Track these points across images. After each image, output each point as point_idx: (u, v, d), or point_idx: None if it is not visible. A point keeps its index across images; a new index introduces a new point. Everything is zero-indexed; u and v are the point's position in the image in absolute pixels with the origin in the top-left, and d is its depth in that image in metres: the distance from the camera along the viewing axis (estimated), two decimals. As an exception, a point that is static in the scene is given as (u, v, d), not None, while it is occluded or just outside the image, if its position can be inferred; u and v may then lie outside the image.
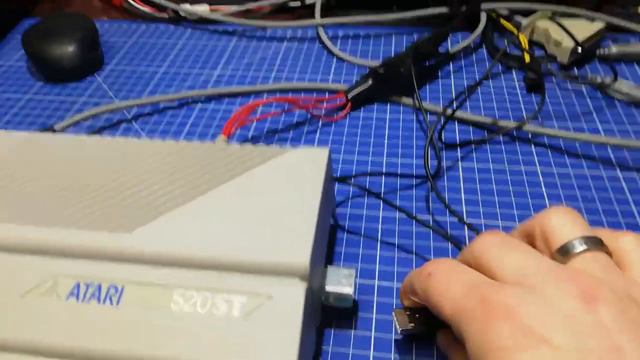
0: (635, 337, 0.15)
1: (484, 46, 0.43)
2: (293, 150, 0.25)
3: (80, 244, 0.21)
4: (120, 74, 0.43)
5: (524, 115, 0.36)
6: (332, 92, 0.39)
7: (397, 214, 0.29)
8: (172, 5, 0.48)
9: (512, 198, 0.30)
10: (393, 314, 0.22)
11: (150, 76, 0.42)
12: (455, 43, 0.43)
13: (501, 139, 0.34)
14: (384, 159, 0.33)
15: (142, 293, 0.20)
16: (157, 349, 0.18)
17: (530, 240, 0.20)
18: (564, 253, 0.18)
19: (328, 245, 0.27)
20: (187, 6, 0.48)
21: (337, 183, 0.31)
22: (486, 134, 0.35)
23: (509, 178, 0.31)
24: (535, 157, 0.33)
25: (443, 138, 0.34)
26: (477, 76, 0.40)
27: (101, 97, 0.40)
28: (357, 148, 0.34)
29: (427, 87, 0.39)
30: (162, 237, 0.21)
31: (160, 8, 0.49)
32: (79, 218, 0.22)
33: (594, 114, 0.36)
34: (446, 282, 0.18)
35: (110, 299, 0.20)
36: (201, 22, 0.49)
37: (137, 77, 0.42)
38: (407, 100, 0.37)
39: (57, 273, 0.20)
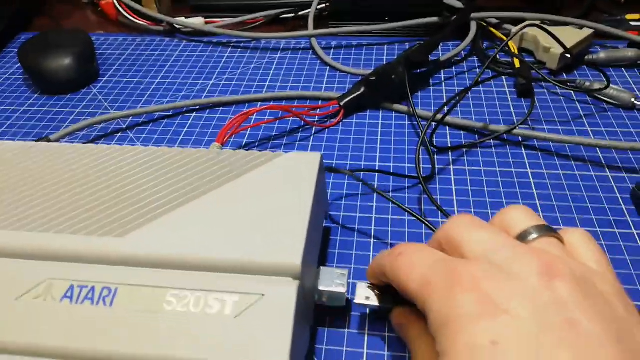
0: (590, 312, 0.15)
1: (474, 55, 0.44)
2: (285, 155, 0.25)
3: (74, 249, 0.21)
4: (116, 86, 0.43)
5: (515, 120, 0.36)
6: (325, 100, 0.39)
7: (390, 216, 0.30)
8: (167, 18, 0.49)
9: (504, 199, 0.30)
10: (356, 286, 0.23)
11: (146, 87, 0.43)
12: (446, 52, 0.44)
13: (492, 142, 0.35)
14: (377, 163, 0.33)
15: (135, 294, 0.20)
16: (150, 348, 0.18)
17: None
18: (522, 239, 0.19)
19: (321, 247, 0.27)
20: (182, 19, 0.49)
21: (330, 182, 0.32)
22: (477, 138, 0.35)
23: (500, 180, 0.32)
24: (526, 160, 0.33)
25: (435, 142, 0.34)
26: (467, 83, 0.41)
27: (97, 108, 0.41)
28: (349, 154, 0.34)
29: (419, 94, 0.40)
30: (156, 240, 0.21)
31: (156, 21, 0.50)
32: (73, 223, 0.22)
33: (584, 118, 0.36)
34: (415, 259, 0.19)
35: (104, 300, 0.20)
36: (196, 34, 0.50)
37: (132, 89, 0.43)
38: (399, 107, 0.38)
39: (51, 276, 0.21)
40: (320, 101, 0.40)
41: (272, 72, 0.44)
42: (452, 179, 0.32)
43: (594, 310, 0.15)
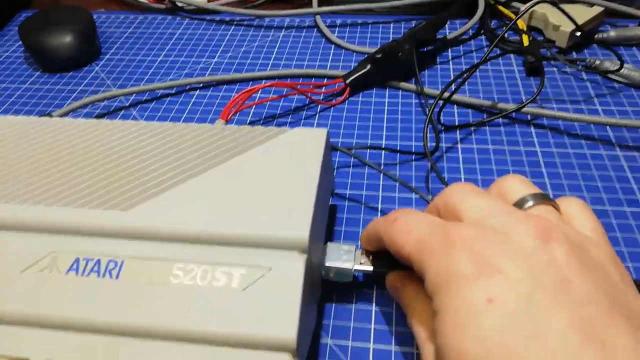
0: (584, 275, 0.16)
1: (482, 33, 0.43)
2: (291, 130, 0.25)
3: (79, 222, 0.21)
4: (118, 64, 0.43)
5: (523, 98, 0.36)
6: (330, 78, 0.39)
7: (397, 194, 0.29)
8: (169, -5, 0.48)
9: (512, 178, 0.30)
10: None
11: (148, 65, 0.42)
12: (453, 30, 0.43)
13: (500, 121, 0.34)
14: (383, 142, 0.33)
15: (141, 267, 0.20)
16: (157, 320, 0.18)
17: None
18: (519, 206, 0.19)
19: (328, 225, 0.27)
20: (184, -4, 0.48)
21: (336, 160, 0.31)
22: (485, 116, 0.35)
23: (508, 159, 0.31)
24: (535, 139, 0.32)
25: (442, 120, 0.34)
26: (475, 62, 0.40)
27: (99, 86, 0.40)
28: (355, 132, 0.34)
29: (426, 72, 0.39)
30: (161, 213, 0.21)
31: (158, -1, 0.49)
32: (78, 197, 0.22)
33: (594, 97, 0.36)
34: (411, 224, 0.19)
35: (110, 273, 0.19)
36: (198, 12, 0.49)
37: (134, 67, 0.42)
38: (405, 85, 0.37)
39: (56, 249, 0.20)
40: (325, 79, 0.39)
41: (276, 50, 0.43)
42: (460, 158, 0.31)
43: (589, 274, 0.16)
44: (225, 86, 0.39)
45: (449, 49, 0.42)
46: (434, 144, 0.32)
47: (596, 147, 0.32)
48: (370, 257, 0.23)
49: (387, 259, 0.22)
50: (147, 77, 0.41)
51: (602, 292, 0.15)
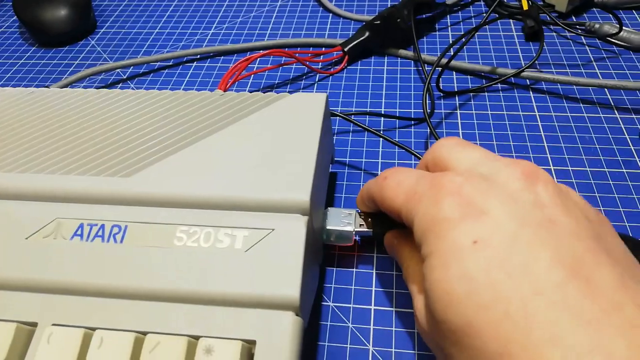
0: (567, 214, 0.16)
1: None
2: (290, 95, 0.25)
3: (82, 189, 0.21)
4: (114, 37, 0.42)
5: (522, 63, 0.36)
6: (328, 46, 0.38)
7: (397, 160, 0.29)
8: (163, -34, 0.47)
9: (511, 142, 0.30)
10: None
11: (144, 38, 0.42)
12: (451, -4, 0.43)
13: (499, 86, 0.34)
14: (382, 110, 0.33)
15: (145, 231, 0.20)
16: (163, 282, 0.18)
17: None
18: None
19: (328, 192, 0.27)
20: (178, -33, 0.47)
21: (335, 128, 0.31)
22: (484, 82, 0.34)
23: (507, 123, 0.31)
24: (534, 103, 0.32)
25: (441, 87, 0.34)
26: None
27: (95, 60, 0.40)
28: (354, 100, 0.34)
29: (424, 39, 0.39)
30: (163, 179, 0.21)
31: (152, -30, 0.49)
32: (79, 165, 0.22)
33: (593, 61, 0.35)
34: (401, 178, 0.20)
35: (114, 237, 0.20)
36: (194, -17, 0.48)
37: (130, 39, 0.42)
38: (404, 52, 0.37)
39: (60, 216, 0.21)
40: (323, 48, 0.39)
41: (273, 20, 0.43)
42: (459, 124, 0.31)
43: (572, 213, 0.16)
44: (222, 57, 0.39)
45: (448, 15, 0.41)
46: (430, 110, 0.31)
47: (595, 111, 0.32)
48: (369, 220, 0.23)
49: (384, 221, 0.23)
50: (143, 49, 0.41)
51: (585, 229, 0.16)
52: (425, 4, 0.38)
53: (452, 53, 0.32)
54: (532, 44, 0.37)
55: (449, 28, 0.40)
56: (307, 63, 0.35)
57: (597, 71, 0.35)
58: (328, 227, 0.23)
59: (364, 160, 0.30)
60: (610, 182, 0.27)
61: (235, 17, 0.43)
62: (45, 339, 0.17)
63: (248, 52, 0.39)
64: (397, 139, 0.31)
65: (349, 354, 0.21)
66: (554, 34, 0.38)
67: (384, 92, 0.34)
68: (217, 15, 0.44)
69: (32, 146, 0.23)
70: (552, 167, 0.28)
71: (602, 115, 0.31)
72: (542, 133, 0.30)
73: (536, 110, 0.32)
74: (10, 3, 0.48)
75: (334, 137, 0.31)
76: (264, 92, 0.25)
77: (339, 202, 0.28)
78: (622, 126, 0.30)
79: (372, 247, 0.25)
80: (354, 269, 0.24)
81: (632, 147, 0.29)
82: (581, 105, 0.32)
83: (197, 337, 0.17)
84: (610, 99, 0.32)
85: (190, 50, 0.38)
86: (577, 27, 0.38)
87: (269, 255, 0.19)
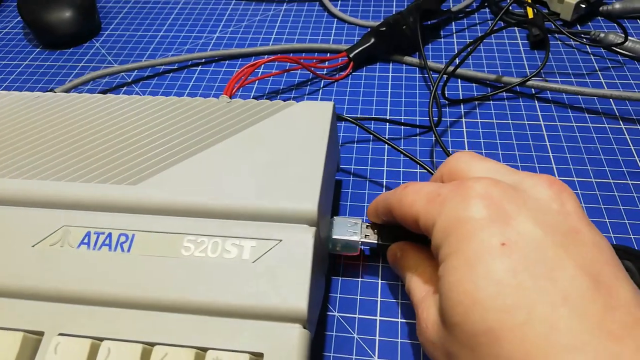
0: (590, 225, 0.17)
1: (486, 6, 0.43)
2: (297, 104, 0.25)
3: (89, 196, 0.21)
4: (119, 39, 0.42)
5: (527, 72, 0.36)
6: (333, 52, 0.38)
7: (402, 169, 0.29)
8: (168, -31, 0.47)
9: (516, 152, 0.30)
10: None
11: (149, 41, 0.42)
12: (457, 2, 0.43)
13: (505, 95, 0.34)
14: (387, 116, 0.33)
15: (152, 240, 0.20)
16: (170, 293, 0.18)
17: None
18: None
19: (333, 200, 0.27)
20: (183, -30, 0.47)
21: (340, 135, 0.31)
22: (489, 90, 0.34)
23: (512, 132, 0.31)
24: (539, 112, 0.32)
25: (447, 94, 0.34)
26: (479, 35, 0.40)
27: (100, 62, 0.40)
28: (359, 107, 0.34)
29: (430, 46, 0.39)
30: (170, 187, 0.21)
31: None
32: (85, 172, 0.22)
33: (598, 71, 0.35)
34: (422, 186, 0.20)
35: (121, 246, 0.20)
36: (198, -14, 0.48)
37: (135, 42, 0.42)
38: (409, 59, 0.37)
39: (67, 224, 0.21)
40: (328, 53, 0.39)
41: (278, 24, 0.42)
42: (464, 132, 0.31)
43: (591, 224, 0.17)
44: (227, 61, 0.39)
45: (453, 22, 0.41)
46: (437, 118, 0.31)
47: (600, 121, 0.32)
48: (375, 231, 0.23)
49: (392, 233, 0.23)
50: (148, 52, 0.40)
51: (605, 242, 0.16)
52: (431, 11, 0.38)
53: (457, 62, 0.32)
54: (537, 52, 0.37)
55: (454, 35, 0.40)
56: (313, 69, 0.35)
57: (602, 81, 0.35)
58: (334, 237, 0.23)
59: (369, 168, 0.30)
60: (616, 194, 0.27)
61: (240, 21, 0.43)
62: (52, 349, 0.17)
63: (253, 57, 0.39)
64: (402, 147, 0.31)
65: (354, 365, 0.21)
66: (559, 42, 0.38)
67: (389, 99, 0.34)
68: (222, 18, 0.44)
69: (38, 152, 0.23)
70: (557, 178, 0.28)
71: (607, 126, 0.31)
72: (547, 143, 0.30)
73: (541, 120, 0.32)
74: (15, 4, 0.48)
75: (339, 145, 0.31)
76: (269, 98, 0.25)
77: (344, 209, 0.28)
78: (627, 137, 0.30)
79: (378, 257, 0.25)
80: (360, 279, 0.24)
81: (637, 159, 0.29)
82: (586, 115, 0.32)
83: (204, 349, 0.17)
84: (615, 109, 0.32)
85: (195, 54, 0.38)
86: (582, 36, 0.38)
87: (277, 267, 0.19)
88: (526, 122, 0.32)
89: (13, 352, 0.17)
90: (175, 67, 0.39)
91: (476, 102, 0.34)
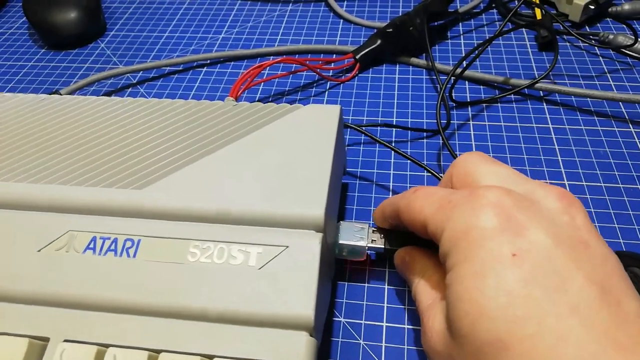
0: (598, 237, 0.17)
1: (493, 7, 0.42)
2: (304, 107, 0.25)
3: (94, 201, 0.21)
4: (124, 40, 0.42)
5: (536, 74, 0.35)
6: (339, 53, 0.38)
7: (409, 172, 0.29)
8: (173, -31, 0.47)
9: (525, 155, 0.30)
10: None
11: (154, 42, 0.42)
12: (464, 3, 0.42)
13: (513, 97, 0.34)
14: (394, 119, 0.33)
15: (158, 246, 0.20)
16: (176, 299, 0.18)
17: None
18: None
19: (339, 203, 0.27)
20: (189, -30, 0.47)
21: (346, 138, 0.31)
22: (497, 92, 0.34)
23: (520, 135, 0.31)
24: (548, 115, 0.32)
25: (454, 97, 0.33)
26: (486, 36, 0.39)
27: (105, 63, 0.40)
28: (366, 109, 0.34)
29: (437, 48, 0.39)
30: (177, 192, 0.21)
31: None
32: (91, 175, 0.22)
33: (606, 72, 0.35)
34: (432, 191, 0.19)
35: (127, 252, 0.20)
36: (204, -14, 0.48)
37: (140, 43, 0.42)
38: (416, 60, 0.37)
39: (72, 228, 0.20)
40: (334, 55, 0.38)
41: (283, 25, 0.42)
42: (472, 135, 0.31)
43: (600, 238, 0.17)
44: (232, 62, 0.39)
45: (460, 23, 0.41)
46: (444, 121, 0.31)
47: (609, 124, 0.31)
48: (382, 235, 0.23)
49: (399, 238, 0.23)
50: (153, 53, 0.40)
51: (613, 256, 0.16)
52: (438, 12, 0.38)
53: (465, 64, 0.32)
54: (545, 54, 0.37)
55: (461, 36, 0.40)
56: (319, 71, 0.35)
57: (611, 83, 0.34)
58: (340, 242, 0.23)
59: (375, 171, 0.30)
60: (625, 199, 0.27)
61: (246, 21, 0.43)
62: (58, 355, 0.17)
63: (258, 58, 0.39)
64: (409, 150, 0.30)
65: (361, 372, 0.21)
66: (567, 44, 0.38)
67: (395, 100, 0.34)
68: (227, 19, 0.44)
69: (43, 156, 0.23)
70: (566, 182, 0.28)
71: (616, 129, 0.31)
72: (556, 146, 0.30)
73: (550, 123, 0.32)
74: (20, 4, 0.48)
75: (346, 148, 0.31)
76: (274, 100, 0.25)
77: (350, 213, 0.27)
78: (637, 140, 0.30)
79: (384, 262, 0.25)
80: (366, 284, 0.24)
81: (647, 162, 0.29)
82: (595, 118, 0.32)
83: (210, 357, 0.17)
84: (624, 112, 0.32)
85: (200, 55, 0.38)
86: (591, 37, 0.38)
87: (283, 273, 0.18)
88: (534, 125, 0.32)
89: (18, 358, 0.17)
90: (181, 68, 0.38)
91: (484, 104, 0.33)
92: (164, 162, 0.22)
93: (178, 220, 0.20)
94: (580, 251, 0.16)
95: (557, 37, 0.38)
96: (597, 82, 0.34)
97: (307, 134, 0.23)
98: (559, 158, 0.29)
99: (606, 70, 0.35)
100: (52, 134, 0.24)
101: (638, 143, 0.30)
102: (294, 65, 0.35)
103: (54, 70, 0.39)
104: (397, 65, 0.37)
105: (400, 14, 0.38)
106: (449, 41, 0.39)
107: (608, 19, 0.40)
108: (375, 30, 0.38)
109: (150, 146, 0.23)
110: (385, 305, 0.23)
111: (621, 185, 0.28)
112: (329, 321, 0.23)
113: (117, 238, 0.20)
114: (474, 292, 0.15)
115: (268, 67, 0.37)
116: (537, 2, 0.40)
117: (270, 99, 0.35)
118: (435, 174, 0.27)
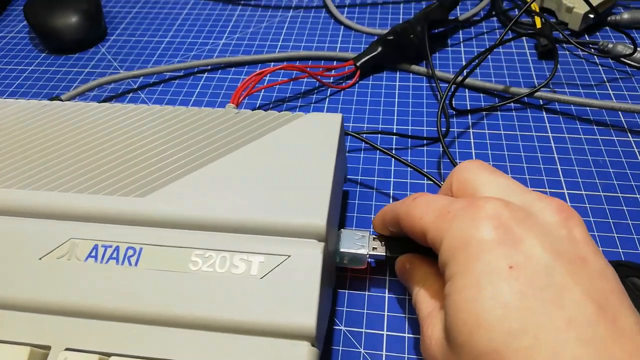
0: (597, 252, 0.17)
1: (493, 15, 0.43)
2: (306, 115, 0.25)
3: (96, 208, 0.21)
4: (125, 45, 0.42)
5: (535, 82, 0.35)
6: (340, 60, 0.38)
7: (409, 180, 0.29)
8: (175, -26, 0.47)
9: (524, 164, 0.30)
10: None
11: (155, 47, 0.42)
12: (464, 11, 0.43)
13: (512, 105, 0.34)
14: (394, 126, 0.33)
15: (160, 254, 0.20)
16: (177, 308, 0.18)
17: None
18: None
19: (340, 210, 0.27)
20: (190, -25, 0.47)
21: (347, 145, 0.31)
22: (497, 100, 0.34)
23: (520, 143, 0.31)
24: (547, 124, 0.32)
25: (454, 104, 0.34)
26: (487, 44, 0.40)
27: (106, 68, 0.40)
28: (366, 116, 0.34)
29: (437, 55, 0.39)
30: (178, 200, 0.21)
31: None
32: (93, 183, 0.22)
33: (606, 81, 0.35)
34: (432, 199, 0.19)
35: (129, 260, 0.20)
36: (205, -9, 0.48)
37: (141, 48, 0.42)
38: (416, 68, 0.37)
39: (74, 236, 0.20)
40: (335, 62, 0.39)
41: (284, 31, 0.42)
42: (472, 143, 0.31)
43: (599, 254, 0.17)
44: (233, 69, 0.39)
45: (460, 31, 0.41)
46: (445, 129, 0.31)
47: (608, 133, 0.31)
48: (383, 243, 0.23)
49: (399, 245, 0.23)
50: (154, 58, 0.40)
51: (611, 271, 0.16)
52: (438, 20, 0.38)
53: (466, 72, 0.32)
54: (545, 62, 0.37)
55: (462, 44, 0.40)
56: (319, 77, 0.35)
57: (610, 92, 0.34)
58: (341, 250, 0.23)
59: (375, 178, 0.30)
60: (624, 208, 0.27)
61: (247, 27, 0.43)
62: (59, 364, 0.17)
63: (259, 64, 0.39)
64: (409, 158, 0.31)
65: (361, 381, 0.21)
66: (567, 52, 0.38)
67: (396, 108, 0.34)
68: (228, 25, 0.44)
69: (45, 162, 0.23)
70: (565, 191, 0.28)
71: (615, 138, 0.31)
72: (555, 155, 0.30)
73: (549, 131, 0.32)
74: (21, 8, 0.48)
75: (346, 155, 0.31)
76: (275, 107, 0.25)
77: (350, 221, 0.28)
78: (636, 150, 0.30)
79: (385, 270, 0.25)
80: (366, 292, 0.24)
81: (646, 172, 0.29)
82: (594, 127, 0.32)
83: (212, 367, 0.17)
84: (623, 122, 0.32)
85: (201, 61, 0.38)
86: (591, 46, 0.38)
87: (285, 283, 0.18)
88: (534, 133, 0.32)
89: (20, 367, 0.17)
90: (182, 74, 0.39)
91: (484, 112, 0.33)
92: (166, 170, 0.22)
93: (180, 229, 0.20)
94: (578, 265, 0.16)
95: (557, 45, 0.38)
96: (596, 91, 0.34)
97: (309, 142, 0.23)
98: (559, 167, 0.29)
99: (605, 79, 0.35)
100: (53, 140, 0.24)
101: (637, 152, 0.30)
102: (295, 72, 0.35)
103: (55, 75, 0.39)
104: (398, 73, 0.37)
105: (401, 21, 0.38)
106: (449, 49, 0.39)
107: (607, 27, 0.40)
108: (376, 38, 0.38)
109: (152, 153, 0.23)
110: (386, 313, 0.23)
111: (620, 195, 0.28)
112: (329, 329, 0.23)
113: (119, 246, 0.20)
114: (471, 303, 0.16)
115: (268, 74, 0.38)
116: (537, 10, 0.40)
117: (271, 106, 0.35)
118: (436, 181, 0.27)
